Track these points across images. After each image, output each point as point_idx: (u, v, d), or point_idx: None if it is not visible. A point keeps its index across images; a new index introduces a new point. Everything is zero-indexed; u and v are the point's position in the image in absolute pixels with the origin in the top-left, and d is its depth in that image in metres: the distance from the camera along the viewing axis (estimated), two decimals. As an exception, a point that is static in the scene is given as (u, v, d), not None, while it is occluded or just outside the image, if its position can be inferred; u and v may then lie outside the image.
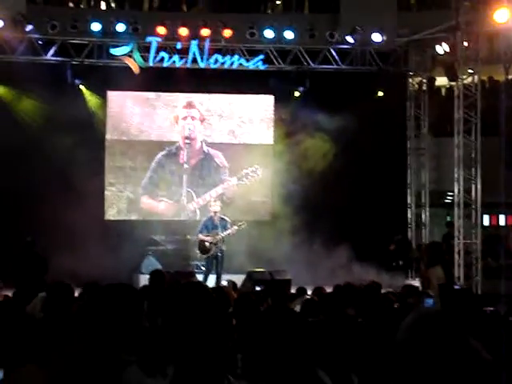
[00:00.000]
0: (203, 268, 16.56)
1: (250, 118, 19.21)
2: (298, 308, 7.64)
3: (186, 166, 18.66)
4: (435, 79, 20.30)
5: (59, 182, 16.75)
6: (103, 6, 20.65)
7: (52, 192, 16.47)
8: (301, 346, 3.48)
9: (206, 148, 18.85)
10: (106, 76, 17.51)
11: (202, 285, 3.47)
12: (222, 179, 18.66)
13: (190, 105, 18.79)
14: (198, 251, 16.49)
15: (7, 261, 14.17)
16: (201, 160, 18.74)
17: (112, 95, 18.74)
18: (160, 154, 18.56)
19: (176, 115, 18.80)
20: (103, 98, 18.58)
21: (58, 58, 17.75)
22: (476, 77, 17.15)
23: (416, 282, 15.94)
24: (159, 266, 16.67)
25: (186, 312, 3.20)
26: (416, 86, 19.69)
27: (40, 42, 17.58)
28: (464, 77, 17.17)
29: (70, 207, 16.06)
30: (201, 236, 16.15)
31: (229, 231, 16.04)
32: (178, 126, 18.78)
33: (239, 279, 14.83)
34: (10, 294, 10.76)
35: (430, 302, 8.44)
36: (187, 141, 18.72)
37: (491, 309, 8.61)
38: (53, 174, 16.79)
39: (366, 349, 3.62)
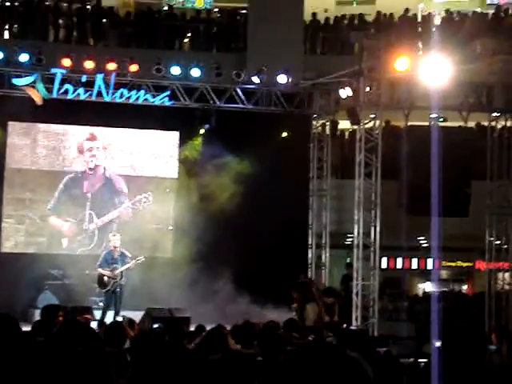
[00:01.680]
0: (101, 304, 16.29)
1: (154, 152, 19.16)
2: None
3: (88, 194, 18.51)
4: (338, 122, 20.70)
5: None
6: (6, 35, 20.30)
7: None
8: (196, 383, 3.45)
9: (107, 173, 18.72)
10: (7, 106, 17.16)
11: (84, 324, 3.39)
12: (121, 203, 18.58)
13: (93, 136, 18.63)
14: (96, 285, 16.23)
15: None
16: (103, 185, 18.64)
17: (13, 126, 18.37)
18: (67, 177, 18.38)
19: (80, 146, 18.60)
20: (3, 128, 18.18)
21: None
22: (377, 121, 17.58)
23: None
24: (56, 301, 16.32)
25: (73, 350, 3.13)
26: (320, 128, 20.01)
27: None
28: (366, 121, 17.57)
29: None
30: (100, 270, 15.95)
31: (127, 265, 15.89)
32: (83, 156, 18.59)
33: (138, 316, 14.65)
34: None
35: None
36: (91, 172, 18.59)
37: (384, 349, 8.77)
38: None
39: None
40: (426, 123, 18.54)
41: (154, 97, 18.07)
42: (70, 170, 18.61)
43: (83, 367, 3.06)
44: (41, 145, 18.49)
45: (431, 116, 18.31)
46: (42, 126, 18.45)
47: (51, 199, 18.29)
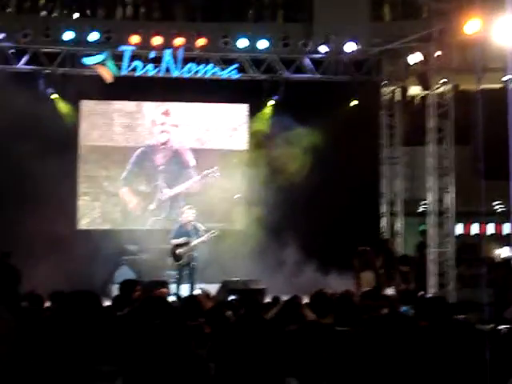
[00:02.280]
0: (177, 276, 16.48)
1: (223, 126, 19.25)
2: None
3: (160, 167, 18.80)
4: (408, 88, 20.40)
5: (32, 191, 16.64)
6: (76, 14, 20.53)
7: (25, 202, 16.39)
8: (273, 354, 3.46)
9: (177, 147, 18.97)
10: (79, 85, 17.39)
11: (162, 299, 3.44)
12: (189, 176, 18.83)
13: (167, 112, 18.84)
14: (170, 258, 16.42)
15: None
16: (172, 158, 18.89)
17: (85, 104, 18.66)
18: (140, 150, 18.68)
19: (153, 120, 18.84)
20: (76, 107, 18.47)
21: (30, 67, 17.63)
22: (449, 86, 17.28)
23: (391, 291, 15.97)
24: (133, 276, 16.60)
25: (147, 325, 3.18)
26: (389, 95, 19.76)
27: (12, 51, 17.45)
28: (437, 86, 17.29)
29: (43, 217, 15.94)
30: (173, 242, 16.10)
31: (201, 239, 16.00)
32: (154, 129, 18.85)
33: (213, 288, 14.79)
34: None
35: (405, 309, 8.45)
36: (162, 146, 18.85)
37: (462, 317, 8.64)
38: (26, 184, 16.68)
39: (342, 358, 3.61)
40: (500, 85, 18.13)
41: (222, 70, 18.11)
42: (143, 145, 18.83)
43: (163, 340, 3.10)
44: (116, 123, 18.77)
45: (505, 78, 17.91)
46: (116, 104, 18.71)
47: (124, 171, 18.55)
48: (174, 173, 18.91)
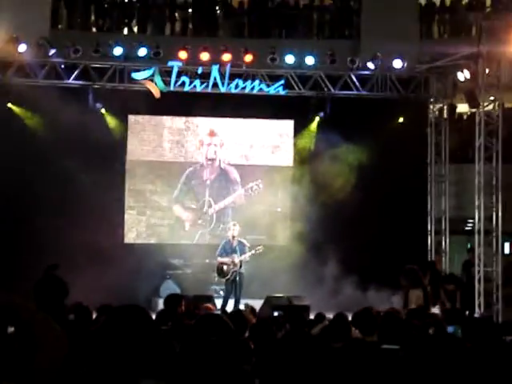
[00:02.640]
0: (222, 292, 16.53)
1: (269, 142, 19.31)
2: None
3: (207, 182, 18.99)
4: (456, 106, 20.26)
5: (79, 204, 16.85)
6: (125, 30, 20.82)
7: (72, 215, 16.59)
8: (320, 371, 3.45)
9: (223, 165, 19.12)
10: (128, 100, 17.59)
11: (219, 317, 3.46)
12: (234, 191, 19.10)
13: (212, 133, 19.01)
14: (216, 275, 16.46)
15: (29, 283, 14.14)
16: (218, 175, 19.09)
17: (133, 119, 18.85)
18: (188, 170, 18.93)
19: (200, 140, 19.02)
20: (124, 121, 18.67)
21: (80, 82, 17.87)
22: (497, 103, 17.12)
23: (436, 310, 15.80)
24: (178, 290, 16.68)
25: (204, 341, 3.20)
26: (437, 112, 19.64)
27: (62, 66, 17.71)
28: (485, 104, 17.14)
29: (90, 230, 16.14)
30: (219, 259, 16.16)
31: (247, 255, 16.03)
32: (201, 149, 19.04)
33: (257, 304, 14.78)
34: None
35: (451, 329, 8.35)
36: (209, 162, 19.05)
37: (511, 338, 8.50)
38: (74, 196, 16.90)
39: (388, 376, 3.59)
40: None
41: (268, 86, 18.15)
42: (190, 162, 18.98)
43: (215, 357, 3.12)
44: (164, 138, 18.96)
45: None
46: (163, 119, 18.89)
47: (175, 189, 18.83)
48: (220, 188, 19.04)
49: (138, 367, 3.71)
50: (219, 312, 13.27)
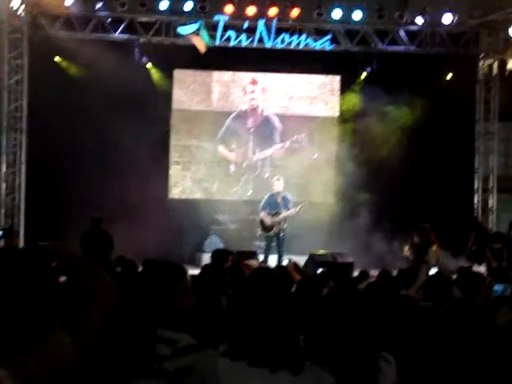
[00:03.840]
0: (265, 247, 16.53)
1: (315, 96, 19.18)
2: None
3: (251, 129, 18.93)
4: (507, 62, 19.79)
5: (125, 159, 16.93)
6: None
7: (118, 169, 16.69)
8: (365, 327, 3.42)
9: (266, 113, 19.00)
10: (173, 54, 17.53)
11: (270, 270, 3.46)
12: (278, 141, 18.97)
13: (254, 81, 18.96)
14: (259, 229, 16.46)
15: (73, 235, 14.30)
16: (262, 122, 18.97)
17: (179, 73, 18.82)
18: (233, 114, 18.85)
19: (244, 88, 18.95)
20: (170, 76, 18.65)
21: (126, 36, 17.84)
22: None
23: (482, 268, 15.68)
24: (221, 245, 16.76)
25: (254, 296, 3.19)
26: (487, 68, 19.26)
27: (109, 20, 17.69)
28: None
29: (135, 185, 16.22)
30: (263, 213, 16.15)
31: (290, 211, 15.97)
32: (245, 97, 18.96)
33: (300, 260, 14.78)
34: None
35: (500, 288, 8.25)
36: (253, 109, 18.98)
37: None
38: (119, 151, 16.96)
39: (432, 333, 3.54)
40: None
41: (315, 41, 17.94)
42: (233, 110, 18.95)
43: (266, 312, 3.12)
44: (209, 91, 18.92)
45: None
46: (210, 73, 18.83)
47: (219, 133, 18.78)
48: (264, 136, 18.92)
49: (160, 320, 3.71)
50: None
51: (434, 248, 14.98)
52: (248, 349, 3.10)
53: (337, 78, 19.19)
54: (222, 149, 18.92)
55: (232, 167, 18.88)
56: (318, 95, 19.23)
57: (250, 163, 18.89)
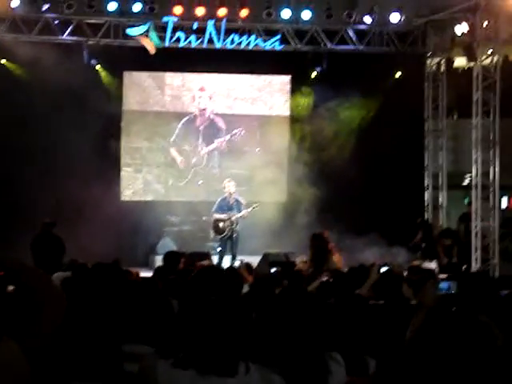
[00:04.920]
0: (219, 249, 16.54)
1: (265, 97, 19.25)
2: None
3: (200, 127, 19.06)
4: (454, 60, 20.06)
5: (75, 163, 16.77)
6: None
7: (69, 173, 16.52)
8: (314, 327, 3.45)
9: (213, 115, 19.13)
10: (123, 56, 17.45)
11: (217, 269, 3.46)
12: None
13: (202, 89, 19.06)
14: (212, 232, 16.46)
15: (25, 241, 14.16)
16: (209, 123, 19.15)
17: (128, 75, 18.73)
18: (184, 119, 18.94)
19: (193, 96, 19.01)
20: (119, 78, 18.54)
21: (74, 38, 17.69)
22: (495, 57, 16.99)
23: (433, 265, 15.86)
24: (175, 247, 16.72)
25: (203, 296, 3.18)
26: (434, 66, 19.49)
27: (56, 22, 17.52)
28: (483, 57, 17.01)
29: (86, 188, 16.09)
30: (215, 216, 16.16)
31: (243, 213, 16.02)
32: (194, 102, 19.07)
33: (254, 260, 14.82)
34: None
35: (445, 285, 8.36)
36: (201, 113, 19.06)
37: (506, 292, 8.51)
38: (69, 154, 16.80)
39: (383, 331, 3.59)
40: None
41: (264, 41, 17.99)
42: (186, 112, 19.01)
43: (219, 315, 3.12)
44: (158, 93, 18.91)
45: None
46: (159, 75, 18.88)
47: (173, 135, 18.90)
48: (210, 135, 19.07)
49: (122, 330, 3.70)
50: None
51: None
52: (194, 356, 3.09)
53: (287, 78, 19.26)
54: (173, 151, 18.95)
55: (182, 165, 18.98)
56: (267, 95, 19.29)
57: (199, 157, 19.03)
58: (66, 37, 17.59)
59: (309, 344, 3.42)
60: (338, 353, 3.54)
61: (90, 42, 17.73)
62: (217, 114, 19.19)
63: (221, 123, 19.16)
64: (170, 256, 8.97)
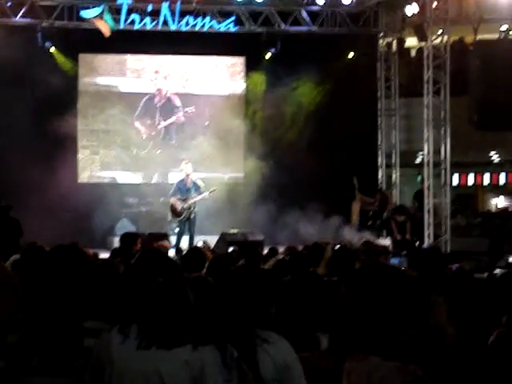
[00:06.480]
0: (177, 229, 16.64)
1: (221, 77, 19.38)
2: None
3: (157, 104, 19.29)
4: (405, 40, 20.36)
5: (32, 145, 16.74)
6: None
7: (26, 155, 16.48)
8: (267, 304, 3.65)
9: (169, 94, 19.34)
10: (77, 38, 17.44)
11: (160, 253, 3.59)
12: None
13: (157, 72, 19.21)
14: (170, 214, 16.54)
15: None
16: (166, 101, 19.37)
17: (83, 58, 18.71)
18: (145, 98, 19.20)
19: (150, 77, 19.21)
20: (75, 60, 18.50)
21: (28, 20, 17.59)
22: (445, 37, 17.30)
23: (387, 241, 16.21)
24: (133, 229, 16.81)
25: (151, 276, 3.33)
26: (386, 47, 19.75)
27: (9, 4, 17.39)
28: (433, 37, 17.32)
29: (43, 171, 16.10)
30: (173, 199, 16.21)
31: (201, 196, 16.05)
32: (151, 83, 19.26)
33: (211, 240, 15.01)
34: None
35: (395, 261, 8.63)
36: (157, 92, 19.25)
37: (457, 265, 8.83)
38: (25, 137, 16.73)
39: (334, 308, 3.81)
40: (496, 36, 18.14)
41: (219, 23, 18.09)
42: (143, 93, 19.21)
43: (164, 297, 3.28)
44: (114, 74, 19.03)
45: (501, 29, 17.94)
46: (115, 57, 18.96)
47: (136, 111, 19.17)
48: (166, 111, 19.31)
49: (81, 308, 3.87)
50: (174, 250, 13.51)
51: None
52: (143, 329, 3.24)
53: (241, 59, 19.39)
54: (137, 124, 19.22)
55: (144, 136, 19.23)
56: (222, 76, 19.43)
57: (156, 130, 19.30)
58: (19, 19, 17.48)
59: (264, 321, 3.62)
60: (288, 329, 3.73)
61: (44, 24, 17.65)
62: (173, 93, 19.34)
63: (177, 101, 19.36)
64: (126, 237, 9.03)
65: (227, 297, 3.65)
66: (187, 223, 16.12)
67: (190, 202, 16.00)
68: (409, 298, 2.60)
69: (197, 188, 16.14)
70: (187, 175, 16.22)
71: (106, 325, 3.76)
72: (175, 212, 16.19)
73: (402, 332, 2.55)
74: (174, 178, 17.81)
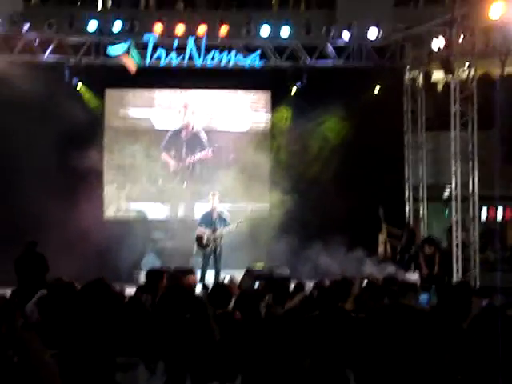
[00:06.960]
0: (201, 263, 16.55)
1: (246, 112, 19.42)
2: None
3: (184, 139, 19.37)
4: (431, 74, 20.32)
5: (59, 181, 16.82)
6: (100, 4, 20.67)
7: (52, 191, 16.54)
8: (297, 340, 3.57)
9: (195, 129, 19.40)
10: (104, 75, 17.57)
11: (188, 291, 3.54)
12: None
13: (186, 106, 19.27)
14: (195, 246, 16.50)
15: (8, 261, 14.19)
16: (192, 136, 19.43)
17: (110, 93, 18.84)
18: (171, 131, 19.30)
19: (179, 111, 19.31)
20: (101, 96, 18.63)
21: (56, 57, 17.76)
22: (472, 70, 17.22)
23: (415, 276, 16.02)
24: (158, 263, 16.78)
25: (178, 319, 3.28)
26: (412, 80, 19.70)
27: (37, 42, 17.59)
28: (460, 71, 17.24)
29: (70, 206, 16.17)
30: (199, 229, 16.19)
31: (227, 228, 16.05)
32: (178, 117, 19.34)
33: (236, 274, 14.90)
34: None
35: (425, 298, 8.48)
36: (184, 126, 19.34)
37: (486, 301, 8.64)
38: (53, 173, 16.85)
39: (363, 344, 3.71)
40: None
41: (244, 57, 18.16)
42: (171, 129, 19.32)
43: (190, 334, 3.22)
44: (141, 111, 19.15)
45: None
46: (142, 92, 19.06)
47: (163, 141, 19.26)
48: (194, 146, 19.36)
49: (114, 345, 3.81)
50: (200, 284, 13.42)
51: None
52: (170, 366, 3.20)
53: (267, 94, 19.42)
54: (164, 155, 19.25)
55: (171, 168, 19.31)
56: (247, 111, 19.46)
57: (184, 164, 19.33)
58: (47, 56, 17.65)
59: (291, 356, 3.54)
60: (317, 365, 3.67)
61: (71, 61, 17.81)
62: (199, 128, 19.40)
63: (203, 135, 19.38)
64: (152, 273, 8.98)
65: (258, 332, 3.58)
66: (212, 256, 16.07)
67: (217, 233, 15.98)
68: (428, 339, 2.52)
69: (223, 221, 16.12)
70: (214, 207, 16.22)
71: (138, 360, 3.71)
72: (201, 243, 16.16)
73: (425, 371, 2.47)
74: (199, 210, 17.76)
